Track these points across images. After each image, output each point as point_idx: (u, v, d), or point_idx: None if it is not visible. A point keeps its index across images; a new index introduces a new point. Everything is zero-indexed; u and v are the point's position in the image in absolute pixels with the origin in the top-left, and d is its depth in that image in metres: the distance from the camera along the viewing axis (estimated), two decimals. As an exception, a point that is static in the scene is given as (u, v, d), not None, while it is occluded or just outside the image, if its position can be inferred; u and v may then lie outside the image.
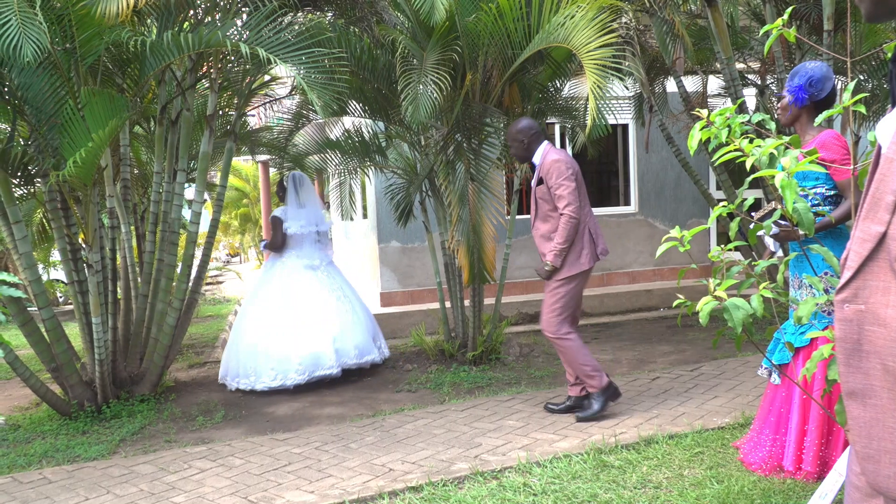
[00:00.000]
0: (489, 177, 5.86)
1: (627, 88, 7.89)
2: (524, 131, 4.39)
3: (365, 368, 6.06)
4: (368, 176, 7.80)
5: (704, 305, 2.88)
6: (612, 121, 6.08)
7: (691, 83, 8.28)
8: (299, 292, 5.89)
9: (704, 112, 2.71)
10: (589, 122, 4.80)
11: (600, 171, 10.64)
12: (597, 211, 9.41)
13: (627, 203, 9.70)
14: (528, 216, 9.14)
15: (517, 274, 8.96)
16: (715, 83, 8.52)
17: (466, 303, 6.33)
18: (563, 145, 9.16)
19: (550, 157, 4.29)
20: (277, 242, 6.03)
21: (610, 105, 5.68)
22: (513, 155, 4.57)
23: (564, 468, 3.52)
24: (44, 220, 8.10)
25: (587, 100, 6.16)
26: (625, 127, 9.57)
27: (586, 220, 4.29)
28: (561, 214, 4.18)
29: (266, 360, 5.62)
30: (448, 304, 6.52)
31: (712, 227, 9.40)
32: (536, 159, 4.39)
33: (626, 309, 8.77)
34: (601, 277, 9.35)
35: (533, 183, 4.42)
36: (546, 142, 4.43)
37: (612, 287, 9.27)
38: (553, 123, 8.75)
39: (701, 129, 2.69)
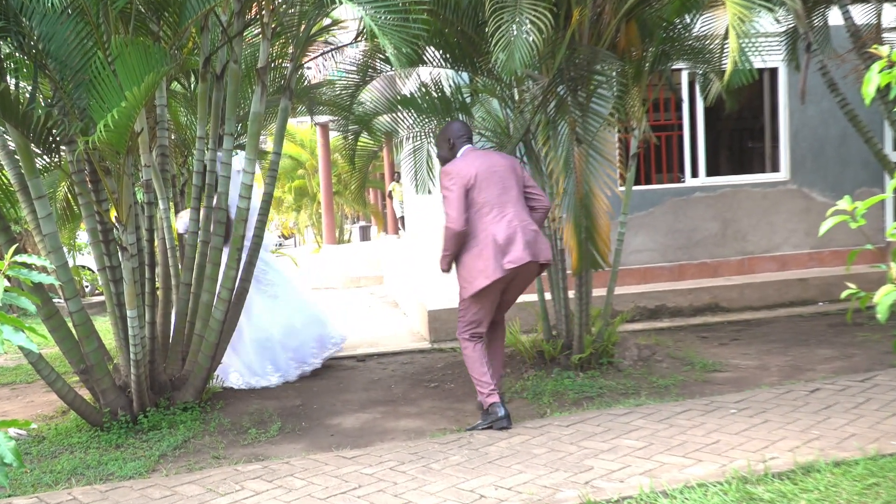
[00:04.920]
0: (600, 138, 5.75)
1: (778, 22, 7.58)
2: (438, 137, 5.20)
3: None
4: (449, 139, 7.79)
5: (884, 297, 2.74)
6: (757, 64, 5.86)
7: (861, 13, 7.88)
8: (281, 273, 6.92)
9: (883, 49, 2.56)
10: (729, 67, 4.63)
11: (741, 129, 10.30)
12: (735, 179, 9.17)
13: (776, 169, 9.39)
14: (648, 186, 8.98)
15: (633, 259, 8.81)
16: (892, 13, 8.08)
17: (570, 294, 6.26)
18: (691, 96, 8.93)
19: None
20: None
21: (756, 44, 5.47)
22: None
23: (699, 500, 3.43)
24: (69, 196, 8.47)
25: (725, 38, 5.96)
26: (773, 71, 9.23)
27: (489, 229, 4.76)
28: None
29: (283, 350, 6.54)
30: (548, 296, 6.47)
31: (889, 199, 8.97)
32: None
33: (774, 303, 8.52)
34: (740, 263, 9.10)
35: None
36: (464, 149, 5.01)
37: (756, 275, 9.00)
38: (680, 69, 8.52)
39: (880, 72, 2.55)
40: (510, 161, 5.06)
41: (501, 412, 4.77)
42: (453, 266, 5.02)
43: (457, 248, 4.84)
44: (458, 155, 5.01)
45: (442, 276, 5.26)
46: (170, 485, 4.17)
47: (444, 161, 5.10)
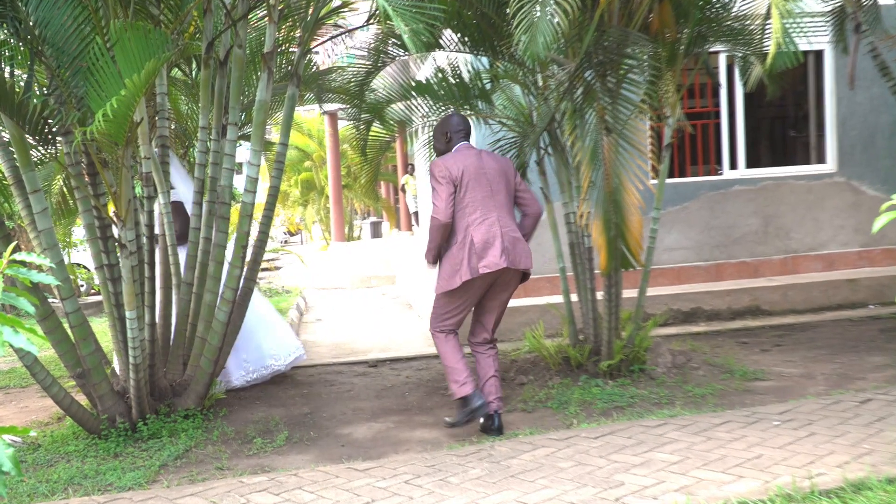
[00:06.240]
0: (630, 127, 5.76)
1: (824, 0, 7.54)
2: (436, 129, 5.39)
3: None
4: (468, 128, 7.81)
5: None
6: (802, 46, 5.84)
7: (916, -9, 7.84)
8: None
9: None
10: (772, 49, 4.63)
11: (784, 116, 10.26)
12: (777, 171, 9.14)
13: (821, 160, 9.34)
14: (682, 178, 8.97)
15: (666, 258, 8.80)
16: (950, -10, 8.03)
17: (599, 295, 6.27)
18: (730, 81, 8.90)
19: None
20: (185, 231, 6.34)
21: (800, 24, 5.46)
22: None
23: (739, 519, 3.44)
24: (64, 190, 8.56)
25: (766, 18, 5.94)
26: (819, 54, 9.18)
27: (470, 230, 4.99)
28: None
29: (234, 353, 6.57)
30: (574, 297, 6.47)
31: (944, 193, 8.91)
32: None
33: (820, 306, 8.48)
34: (783, 263, 9.06)
35: None
36: (459, 145, 5.21)
37: (800, 276, 8.96)
38: (718, 52, 8.49)
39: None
40: (502, 164, 5.26)
41: (478, 401, 4.97)
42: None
43: (441, 240, 5.08)
44: (453, 150, 5.22)
45: (429, 271, 5.39)
46: (171, 497, 4.22)
47: (440, 154, 5.33)
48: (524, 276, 5.22)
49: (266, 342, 6.78)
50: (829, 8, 7.89)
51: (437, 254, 5.16)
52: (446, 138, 5.28)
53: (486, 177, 5.09)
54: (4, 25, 4.78)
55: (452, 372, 5.08)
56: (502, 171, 5.18)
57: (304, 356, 7.21)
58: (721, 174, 9.12)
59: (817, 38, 8.67)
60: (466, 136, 5.31)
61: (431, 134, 5.51)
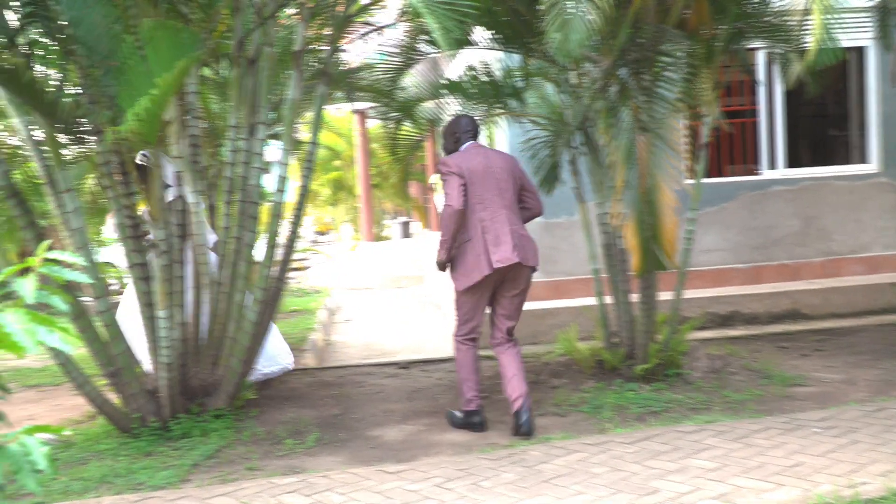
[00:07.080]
0: (666, 125, 5.73)
1: (867, -5, 7.47)
2: (445, 130, 5.57)
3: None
4: (499, 126, 7.81)
5: None
6: (843, 42, 5.80)
7: (962, -15, 7.72)
8: None
9: None
10: (813, 45, 4.59)
11: (824, 115, 10.15)
12: (818, 171, 9.07)
13: (864, 160, 9.23)
14: (720, 178, 8.91)
15: (703, 259, 8.74)
16: None
17: (633, 297, 6.25)
18: (769, 79, 8.82)
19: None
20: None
21: (842, 20, 5.41)
22: None
23: (778, 527, 3.42)
24: (93, 189, 8.65)
25: (807, 13, 5.90)
26: (860, 51, 9.07)
27: (480, 226, 5.16)
28: None
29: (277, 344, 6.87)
30: (608, 300, 6.45)
31: None
32: None
33: (862, 309, 8.38)
34: (822, 266, 8.97)
35: None
36: (467, 144, 5.38)
37: (842, 279, 8.86)
38: (756, 49, 8.43)
39: None
40: (509, 162, 5.42)
41: (478, 419, 5.31)
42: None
43: (456, 229, 5.17)
44: (461, 150, 5.40)
45: (440, 274, 5.52)
46: (202, 496, 4.27)
47: (448, 154, 5.49)
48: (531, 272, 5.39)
49: (269, 344, 6.76)
50: (872, 3, 7.81)
51: (451, 246, 5.23)
52: (455, 138, 5.47)
53: (494, 175, 5.26)
54: (37, 24, 4.86)
55: (463, 384, 5.37)
56: (509, 170, 5.35)
57: (292, 366, 7.16)
58: (760, 174, 9.05)
59: (859, 35, 8.59)
60: (475, 136, 5.47)
61: (441, 135, 5.61)
